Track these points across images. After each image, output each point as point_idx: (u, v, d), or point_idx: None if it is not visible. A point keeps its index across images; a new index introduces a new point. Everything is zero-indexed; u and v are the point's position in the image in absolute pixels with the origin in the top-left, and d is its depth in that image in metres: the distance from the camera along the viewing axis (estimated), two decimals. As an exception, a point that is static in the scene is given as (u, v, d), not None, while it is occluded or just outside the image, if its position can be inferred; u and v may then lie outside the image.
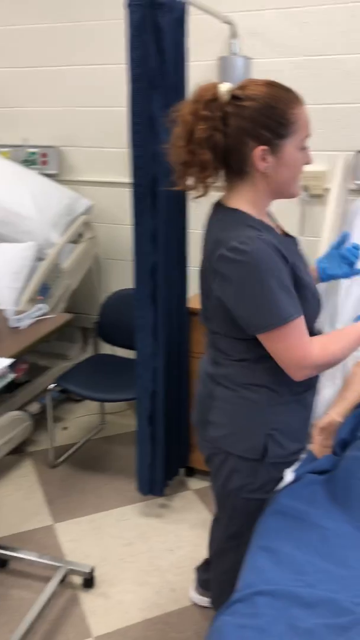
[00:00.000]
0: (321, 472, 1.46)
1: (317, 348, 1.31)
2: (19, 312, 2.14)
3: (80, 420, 3.15)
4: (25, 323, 2.05)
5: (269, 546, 1.22)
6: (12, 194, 2.86)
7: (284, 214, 1.65)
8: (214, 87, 1.27)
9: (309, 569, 1.15)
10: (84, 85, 3.03)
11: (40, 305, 2.18)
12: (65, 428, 3.06)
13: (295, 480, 1.41)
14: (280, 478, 1.44)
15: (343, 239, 1.57)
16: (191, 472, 2.65)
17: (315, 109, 2.62)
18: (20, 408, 2.82)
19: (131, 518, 2.40)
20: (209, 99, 1.26)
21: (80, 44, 2.98)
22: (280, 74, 2.58)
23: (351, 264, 1.56)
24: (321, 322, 1.87)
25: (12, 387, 2.88)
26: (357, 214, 2.14)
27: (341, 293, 2.01)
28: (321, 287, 1.71)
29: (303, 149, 1.30)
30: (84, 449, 2.89)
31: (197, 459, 2.50)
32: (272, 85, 1.27)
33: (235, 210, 1.32)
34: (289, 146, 1.27)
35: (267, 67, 2.61)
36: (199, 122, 1.25)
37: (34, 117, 3.18)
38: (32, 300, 2.59)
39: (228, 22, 2.57)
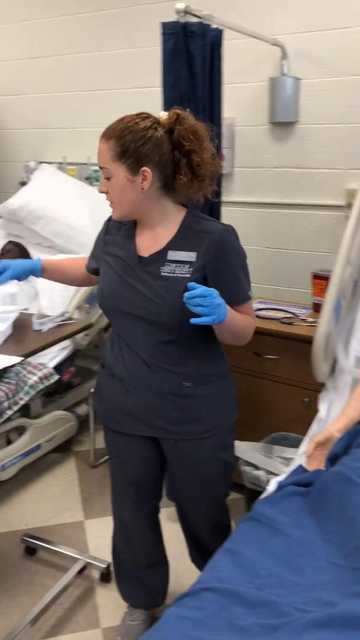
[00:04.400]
0: (307, 485, 1.48)
1: None
2: (43, 317, 2.25)
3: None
4: (46, 327, 2.17)
5: (234, 549, 1.27)
6: (71, 208, 3.06)
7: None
8: None
9: (263, 573, 1.19)
10: (127, 108, 3.17)
11: (64, 311, 2.32)
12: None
13: (277, 490, 1.45)
14: None
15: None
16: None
17: None
18: (69, 409, 2.99)
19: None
20: None
21: (136, 70, 3.15)
22: (329, 93, 2.62)
23: None
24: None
25: (64, 388, 3.06)
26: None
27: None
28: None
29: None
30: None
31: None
32: None
33: None
34: None
35: (315, 87, 2.64)
36: None
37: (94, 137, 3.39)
38: (80, 308, 2.76)
39: (277, 45, 2.63)
